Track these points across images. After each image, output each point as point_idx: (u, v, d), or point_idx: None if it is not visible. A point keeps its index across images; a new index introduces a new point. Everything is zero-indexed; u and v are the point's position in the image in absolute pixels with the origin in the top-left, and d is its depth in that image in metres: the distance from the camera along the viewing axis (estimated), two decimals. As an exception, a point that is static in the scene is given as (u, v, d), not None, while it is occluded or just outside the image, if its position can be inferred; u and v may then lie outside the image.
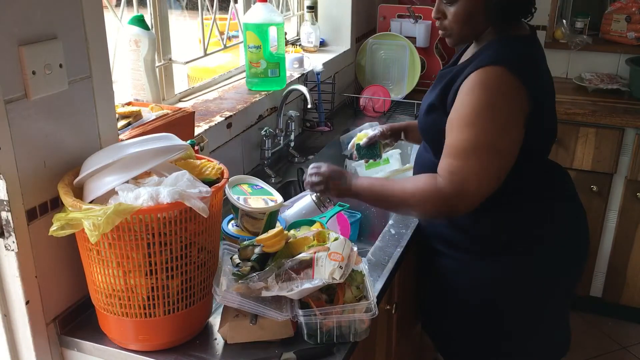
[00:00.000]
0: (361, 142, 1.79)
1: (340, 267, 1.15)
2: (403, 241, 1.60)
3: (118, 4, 1.77)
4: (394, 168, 2.01)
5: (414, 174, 1.64)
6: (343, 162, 2.25)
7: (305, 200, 1.58)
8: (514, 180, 1.40)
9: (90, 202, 1.09)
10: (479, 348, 1.63)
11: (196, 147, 1.51)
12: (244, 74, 2.19)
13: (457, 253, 1.55)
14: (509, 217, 1.48)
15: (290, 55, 2.35)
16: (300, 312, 1.15)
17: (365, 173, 2.06)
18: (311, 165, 1.52)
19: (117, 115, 1.35)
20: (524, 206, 1.48)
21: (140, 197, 1.04)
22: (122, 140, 1.28)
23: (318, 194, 1.53)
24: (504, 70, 1.33)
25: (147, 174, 1.14)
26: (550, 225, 1.51)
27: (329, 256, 1.17)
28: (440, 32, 1.48)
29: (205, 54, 2.08)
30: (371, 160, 1.87)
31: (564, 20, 3.00)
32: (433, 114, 1.47)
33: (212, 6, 2.10)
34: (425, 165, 1.54)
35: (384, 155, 1.96)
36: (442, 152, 1.43)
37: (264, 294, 1.15)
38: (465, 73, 1.38)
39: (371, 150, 1.80)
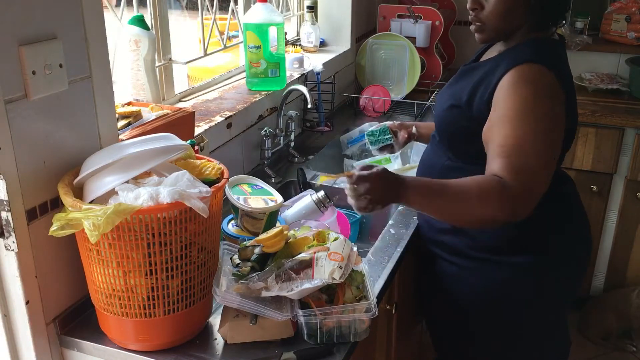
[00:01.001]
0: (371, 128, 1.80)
1: (340, 267, 1.15)
2: (403, 241, 1.60)
3: (118, 4, 1.77)
4: (394, 168, 2.01)
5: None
6: (342, 162, 2.25)
7: (305, 201, 1.58)
8: None
9: (90, 202, 1.09)
10: (478, 353, 1.63)
11: (196, 147, 1.51)
12: (244, 74, 2.19)
13: (457, 258, 1.53)
14: (514, 224, 1.39)
15: (290, 55, 2.35)
16: (300, 312, 1.15)
17: None
18: (352, 178, 1.26)
19: (117, 115, 1.35)
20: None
21: (140, 197, 1.04)
22: (122, 140, 1.28)
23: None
24: (543, 68, 1.30)
25: (147, 174, 1.14)
26: (556, 231, 1.48)
27: (329, 256, 1.17)
28: (472, 26, 1.42)
29: (205, 54, 2.08)
30: (386, 144, 1.81)
31: (564, 20, 2.99)
32: (456, 112, 1.41)
33: (212, 6, 2.10)
34: (435, 168, 1.50)
35: (386, 155, 1.95)
36: (455, 152, 1.41)
37: (264, 294, 1.15)
38: (500, 71, 1.33)
39: (382, 134, 1.78)
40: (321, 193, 1.57)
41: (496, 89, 1.33)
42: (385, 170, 1.27)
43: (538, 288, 1.49)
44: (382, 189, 1.24)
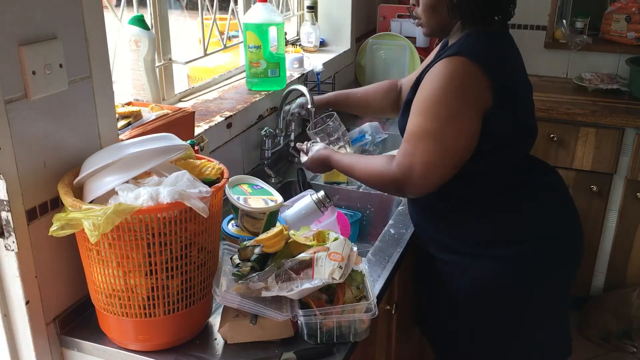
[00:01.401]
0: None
1: (340, 267, 1.15)
2: (403, 241, 1.60)
3: (118, 4, 1.77)
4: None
5: None
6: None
7: (305, 201, 1.58)
8: (493, 179, 1.46)
9: (90, 202, 1.09)
10: (476, 351, 1.63)
11: (196, 147, 1.51)
12: (244, 74, 2.19)
13: (448, 255, 1.55)
14: (492, 215, 1.49)
15: (290, 55, 2.35)
16: (300, 312, 1.15)
17: None
18: (302, 157, 1.74)
19: (117, 115, 1.35)
20: (507, 207, 1.49)
21: (140, 197, 1.04)
22: (122, 140, 1.28)
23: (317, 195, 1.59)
24: (464, 60, 1.36)
25: (147, 174, 1.14)
26: (537, 225, 1.51)
27: (329, 256, 1.17)
28: (415, 21, 1.57)
29: (205, 54, 2.08)
30: None
31: (564, 20, 3.00)
32: (408, 111, 1.47)
33: (212, 6, 2.10)
34: None
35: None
36: None
37: (264, 294, 1.15)
38: (431, 66, 1.43)
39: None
40: (321, 193, 1.58)
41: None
42: (317, 156, 1.67)
43: (526, 279, 1.51)
44: (316, 168, 1.71)
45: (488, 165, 1.45)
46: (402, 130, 1.53)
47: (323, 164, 1.67)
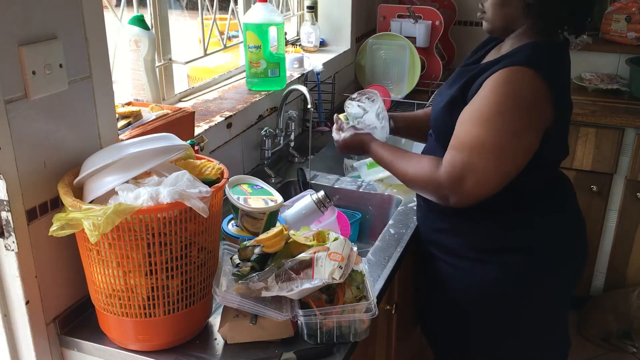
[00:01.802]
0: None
1: (340, 267, 1.15)
2: (403, 241, 1.60)
3: (118, 4, 1.77)
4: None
5: None
6: (342, 162, 2.25)
7: (305, 201, 1.58)
8: (516, 189, 1.38)
9: (90, 202, 1.09)
10: (476, 353, 1.63)
11: (196, 147, 1.51)
12: (244, 74, 2.19)
13: (452, 258, 1.54)
14: (505, 224, 1.46)
15: (290, 55, 2.35)
16: (300, 312, 1.15)
17: (368, 173, 2.05)
18: (334, 131, 1.66)
19: (117, 115, 1.35)
20: (521, 215, 1.46)
21: (140, 197, 1.04)
22: (122, 140, 1.28)
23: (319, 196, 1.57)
24: (534, 74, 1.29)
25: (147, 174, 1.14)
26: (546, 234, 1.49)
27: (329, 256, 1.17)
28: (478, 14, 1.47)
29: (205, 54, 2.08)
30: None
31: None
32: (453, 110, 1.41)
33: (212, 6, 2.10)
34: None
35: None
36: None
37: (264, 294, 1.15)
38: (494, 69, 1.34)
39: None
40: (321, 193, 1.57)
41: (483, 84, 1.35)
42: (354, 139, 1.60)
43: (528, 287, 1.50)
44: (347, 148, 1.63)
45: (519, 180, 1.37)
46: (439, 128, 1.49)
47: (358, 147, 1.59)
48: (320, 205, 1.56)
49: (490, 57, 1.50)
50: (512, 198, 1.41)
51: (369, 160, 2.06)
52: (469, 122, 1.33)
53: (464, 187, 1.32)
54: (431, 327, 1.78)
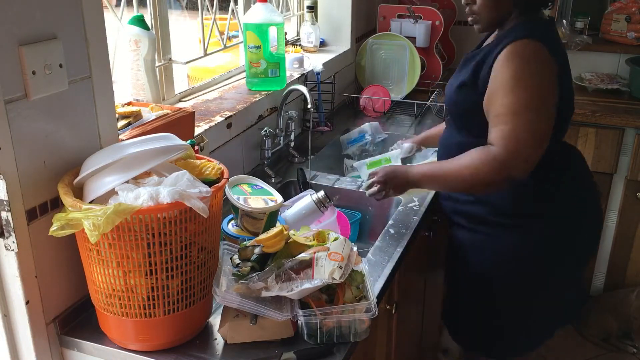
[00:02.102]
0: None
1: (340, 267, 1.15)
2: (403, 241, 1.60)
3: (118, 4, 1.77)
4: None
5: (439, 158, 1.72)
6: (342, 162, 2.25)
7: (305, 201, 1.58)
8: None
9: (90, 202, 1.09)
10: (504, 318, 1.70)
11: (196, 147, 1.51)
12: (244, 74, 2.19)
13: (480, 226, 1.64)
14: (526, 191, 1.55)
15: (290, 55, 2.35)
16: (300, 312, 1.15)
17: (368, 172, 2.05)
18: (369, 176, 1.68)
19: (117, 115, 1.35)
20: (540, 183, 1.55)
21: (140, 197, 1.04)
22: (122, 140, 1.28)
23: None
24: (538, 43, 1.42)
25: (147, 174, 1.14)
26: (563, 200, 1.60)
27: (329, 256, 1.17)
28: (469, 18, 1.58)
29: (205, 54, 2.08)
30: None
31: (564, 20, 3.00)
32: (464, 91, 1.54)
33: (212, 6, 2.10)
34: (451, 145, 1.62)
35: (387, 155, 2.03)
36: (467, 129, 1.54)
37: (264, 294, 1.15)
38: (499, 48, 1.45)
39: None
40: (321, 193, 1.57)
41: (494, 63, 1.45)
42: (391, 173, 1.61)
43: (551, 247, 1.60)
44: (392, 187, 1.62)
45: None
46: (452, 108, 1.63)
47: (397, 179, 1.60)
48: (320, 205, 1.56)
49: (488, 42, 1.62)
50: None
51: (369, 160, 2.06)
52: (499, 96, 1.42)
53: (522, 151, 1.40)
54: (457, 297, 1.83)
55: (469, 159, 1.46)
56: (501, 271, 1.64)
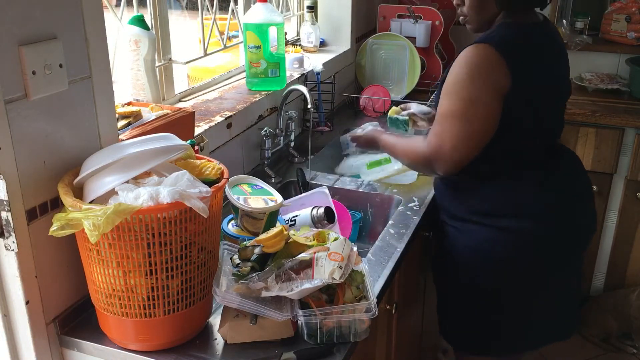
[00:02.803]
0: (394, 115, 2.02)
1: (340, 267, 1.15)
2: (403, 241, 1.60)
3: (118, 4, 1.77)
4: (395, 167, 2.01)
5: None
6: (342, 162, 2.25)
7: (304, 211, 1.56)
8: (509, 156, 1.57)
9: (90, 202, 1.09)
10: (484, 313, 1.69)
11: (196, 147, 1.51)
12: (244, 74, 2.19)
13: (457, 222, 1.67)
14: (502, 190, 1.60)
15: (290, 55, 2.35)
16: (300, 312, 1.15)
17: (367, 172, 2.05)
18: (352, 133, 1.95)
19: (117, 115, 1.35)
20: (517, 182, 1.59)
21: (140, 197, 1.04)
22: (122, 140, 1.28)
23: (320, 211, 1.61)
24: (487, 47, 1.47)
25: (147, 174, 1.14)
26: (538, 198, 1.60)
27: (329, 256, 1.17)
28: (460, 18, 1.64)
29: (205, 54, 2.08)
30: (399, 130, 2.04)
31: (564, 20, 3.00)
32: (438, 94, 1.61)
33: (212, 6, 2.10)
34: None
35: (386, 155, 1.99)
36: None
37: (264, 294, 1.15)
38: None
39: (402, 123, 2.00)
40: (321, 210, 1.54)
41: None
42: (367, 133, 1.88)
43: (518, 247, 1.60)
44: (365, 144, 1.91)
45: (504, 146, 1.54)
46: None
47: (371, 141, 1.84)
48: (317, 222, 1.53)
49: None
50: (508, 165, 1.59)
51: (369, 160, 2.06)
52: (442, 96, 1.54)
53: (443, 154, 1.52)
54: (444, 296, 1.82)
55: (410, 147, 1.64)
56: (479, 270, 1.65)
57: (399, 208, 1.79)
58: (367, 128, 1.92)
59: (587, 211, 1.72)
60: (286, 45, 2.49)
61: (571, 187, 1.66)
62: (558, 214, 1.62)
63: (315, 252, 1.19)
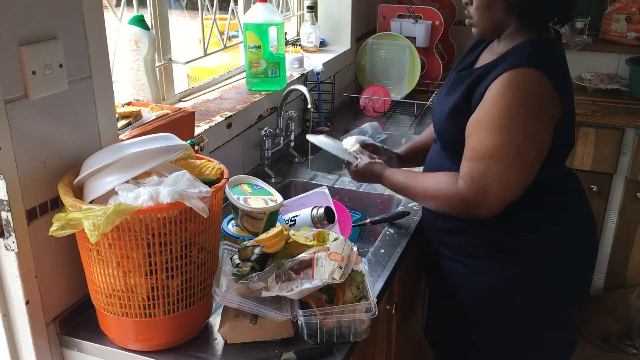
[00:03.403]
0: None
1: (340, 267, 1.15)
2: (403, 241, 1.60)
3: (118, 4, 1.77)
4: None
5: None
6: (343, 162, 2.25)
7: (305, 211, 1.56)
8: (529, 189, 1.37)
9: (90, 202, 1.09)
10: (484, 353, 1.61)
11: (196, 147, 1.51)
12: (244, 74, 2.19)
13: (463, 258, 1.52)
14: (514, 223, 1.44)
15: (290, 55, 2.35)
16: (300, 312, 1.15)
17: None
18: (350, 162, 1.67)
19: (117, 115, 1.35)
20: (529, 213, 1.44)
21: (140, 197, 1.04)
22: (122, 140, 1.28)
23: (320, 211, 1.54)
24: (538, 74, 1.30)
25: (147, 174, 1.14)
26: (557, 233, 1.48)
27: (329, 256, 1.17)
28: (466, 20, 1.47)
29: (205, 54, 2.08)
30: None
31: (563, 20, 2.99)
32: (457, 118, 1.40)
33: (212, 6, 2.10)
34: (441, 170, 1.49)
35: None
36: (461, 156, 1.39)
37: (264, 294, 1.15)
38: (496, 73, 1.33)
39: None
40: (321, 211, 1.54)
41: (488, 89, 1.33)
42: (366, 168, 1.61)
43: (537, 287, 1.48)
44: (364, 179, 1.66)
45: (539, 176, 1.37)
46: (444, 136, 1.49)
47: (371, 175, 1.60)
48: (317, 222, 1.53)
49: (485, 59, 1.48)
50: (525, 195, 1.39)
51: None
52: (482, 130, 1.32)
53: (488, 197, 1.32)
54: (437, 328, 1.75)
55: (435, 186, 1.41)
56: (481, 306, 1.52)
57: (399, 208, 1.79)
58: (365, 158, 1.64)
59: (596, 243, 1.65)
60: (286, 45, 2.49)
61: (585, 213, 1.56)
62: (587, 248, 1.55)
63: (315, 252, 1.19)
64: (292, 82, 2.22)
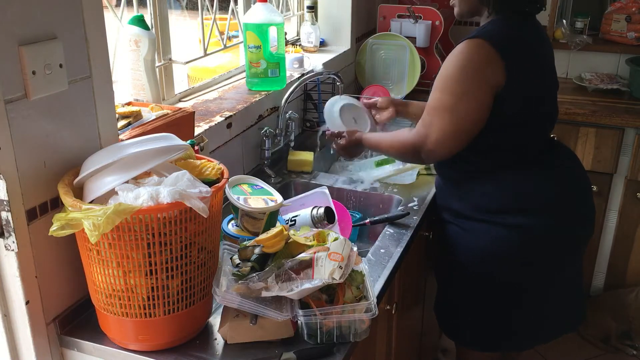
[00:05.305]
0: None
1: (340, 267, 1.15)
2: (403, 241, 1.60)
3: (118, 4, 1.77)
4: (397, 167, 2.02)
5: None
6: (342, 162, 2.25)
7: (305, 211, 1.56)
8: (507, 154, 1.59)
9: (90, 202, 1.09)
10: (487, 313, 1.70)
11: (196, 147, 1.51)
12: (244, 74, 2.19)
13: (460, 220, 1.68)
14: (504, 186, 1.61)
15: (290, 55, 2.35)
16: (300, 312, 1.15)
17: (374, 172, 2.04)
18: (333, 138, 1.89)
19: (117, 115, 1.35)
20: (517, 176, 1.61)
21: (140, 197, 1.04)
22: (122, 140, 1.28)
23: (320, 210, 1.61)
24: (482, 42, 1.50)
25: (147, 174, 1.14)
26: (545, 196, 1.62)
27: (329, 256, 1.17)
28: (451, 1, 1.68)
29: (205, 54, 2.08)
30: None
31: (564, 20, 3.00)
32: None
33: (212, 6, 2.10)
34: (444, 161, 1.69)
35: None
36: None
37: (264, 294, 1.15)
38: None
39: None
40: (321, 210, 1.54)
41: None
42: (348, 141, 1.82)
43: (531, 245, 1.62)
44: (350, 152, 1.86)
45: (502, 140, 1.58)
46: None
47: (355, 146, 1.82)
48: (317, 222, 1.53)
49: None
50: (503, 159, 1.61)
51: (378, 158, 2.07)
52: (433, 89, 1.57)
53: (429, 142, 1.55)
54: (446, 293, 1.83)
55: (397, 138, 1.67)
56: (484, 267, 1.65)
57: (399, 208, 1.79)
58: (341, 143, 1.84)
59: (587, 201, 1.75)
60: (286, 45, 2.49)
61: (571, 179, 1.69)
62: (561, 207, 1.64)
63: (315, 252, 1.20)
64: (292, 82, 2.22)
